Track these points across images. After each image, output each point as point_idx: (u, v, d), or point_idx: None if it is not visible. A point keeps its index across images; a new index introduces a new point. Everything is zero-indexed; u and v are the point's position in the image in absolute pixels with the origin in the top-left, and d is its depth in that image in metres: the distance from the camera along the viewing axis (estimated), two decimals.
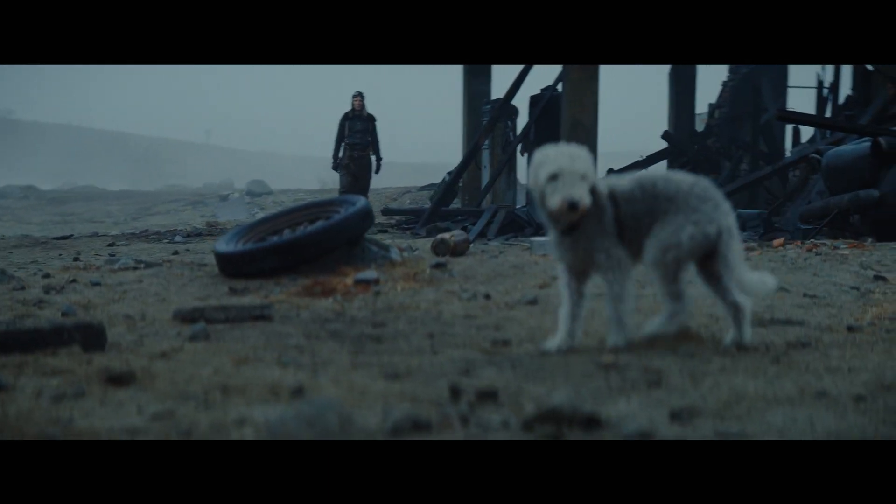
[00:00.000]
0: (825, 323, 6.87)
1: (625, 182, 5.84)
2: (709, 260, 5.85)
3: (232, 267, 9.76)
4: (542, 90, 23.84)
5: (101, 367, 4.97)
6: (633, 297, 5.83)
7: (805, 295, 8.18)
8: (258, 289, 9.07)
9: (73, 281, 9.54)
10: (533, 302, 7.90)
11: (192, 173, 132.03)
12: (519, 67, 24.32)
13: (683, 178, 5.86)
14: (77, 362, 5.18)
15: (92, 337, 5.70)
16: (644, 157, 27.96)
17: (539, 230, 20.04)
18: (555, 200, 5.45)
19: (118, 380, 4.59)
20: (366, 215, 10.15)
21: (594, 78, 21.88)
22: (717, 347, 5.77)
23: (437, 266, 9.87)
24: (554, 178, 5.48)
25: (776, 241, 13.04)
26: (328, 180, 75.10)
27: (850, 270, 9.70)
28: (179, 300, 8.42)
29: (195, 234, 21.59)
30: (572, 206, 5.40)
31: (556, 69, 23.34)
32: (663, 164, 28.83)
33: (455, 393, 4.35)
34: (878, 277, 9.27)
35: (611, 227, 5.71)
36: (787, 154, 27.28)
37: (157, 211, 47.19)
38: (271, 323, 7.07)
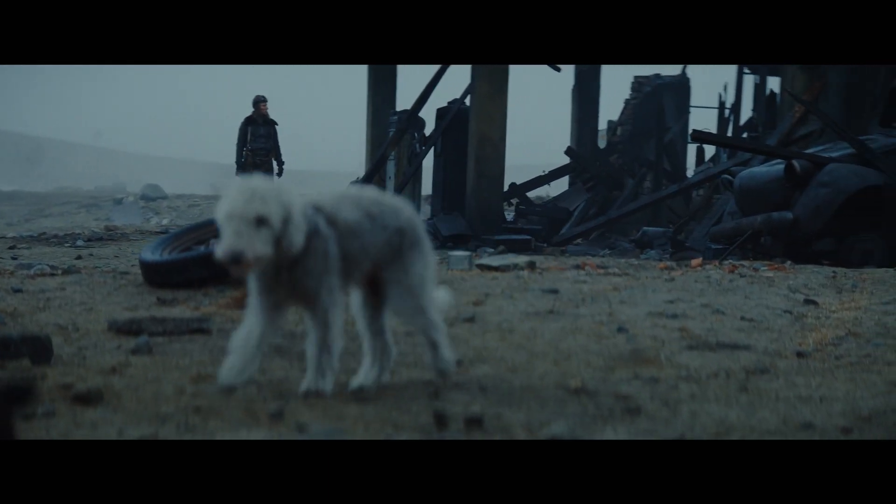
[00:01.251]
0: (771, 348, 6.88)
1: (348, 208, 5.06)
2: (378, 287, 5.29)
3: (158, 277, 9.53)
4: (450, 103, 23.76)
5: (59, 383, 4.80)
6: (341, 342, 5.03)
7: (742, 318, 8.18)
8: (187, 300, 8.87)
9: None
10: (471, 319, 7.80)
11: (82, 175, 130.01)
12: (426, 78, 24.21)
13: (402, 206, 5.30)
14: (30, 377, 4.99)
15: (39, 350, 5.52)
16: (546, 173, 28.03)
17: (445, 243, 19.97)
18: (218, 251, 4.53)
19: (85, 399, 4.42)
20: None
21: (502, 92, 21.85)
22: (678, 373, 5.72)
23: None
24: (225, 221, 4.58)
25: (694, 261, 13.08)
26: (222, 187, 74.51)
27: (778, 294, 9.75)
28: (108, 310, 8.19)
29: (96, 239, 21.20)
30: (234, 259, 4.46)
31: (463, 83, 23.28)
32: (565, 179, 29.00)
33: (440, 419, 4.24)
34: (808, 301, 9.32)
35: (336, 261, 4.93)
36: (689, 173, 27.55)
37: (50, 213, 46.40)
38: (210, 336, 6.90)
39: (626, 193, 25.22)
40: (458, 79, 23.96)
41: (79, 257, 15.36)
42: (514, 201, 26.90)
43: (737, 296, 9.46)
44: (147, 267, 9.64)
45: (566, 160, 28.00)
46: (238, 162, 22.81)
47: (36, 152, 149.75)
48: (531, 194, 27.80)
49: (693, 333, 7.31)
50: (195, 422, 4.14)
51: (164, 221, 40.44)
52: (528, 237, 20.41)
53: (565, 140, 30.61)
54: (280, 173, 22.94)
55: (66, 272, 10.80)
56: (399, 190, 23.98)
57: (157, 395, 4.66)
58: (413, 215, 5.30)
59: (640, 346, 6.61)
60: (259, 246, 4.51)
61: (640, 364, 5.93)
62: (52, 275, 10.54)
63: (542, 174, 27.95)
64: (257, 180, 4.68)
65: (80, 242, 19.42)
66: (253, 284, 4.92)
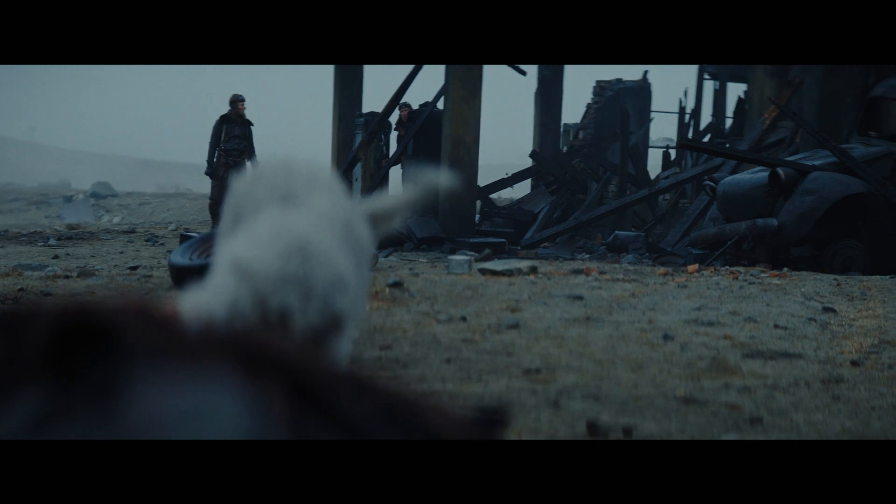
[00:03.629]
0: (821, 356, 7.03)
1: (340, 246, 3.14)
2: None
3: (189, 280, 9.56)
4: (421, 106, 23.87)
5: None
6: None
7: (776, 326, 8.34)
8: None
9: (21, 290, 9.26)
10: (515, 326, 7.89)
11: (17, 171, 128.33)
12: (393, 80, 24.31)
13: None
14: None
15: None
16: (509, 175, 28.14)
17: (419, 245, 20.07)
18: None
19: None
20: None
21: (476, 96, 21.98)
22: (763, 382, 5.87)
23: (395, 285, 9.82)
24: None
25: (690, 267, 13.29)
26: (166, 185, 74.36)
27: (795, 301, 9.93)
28: None
29: (66, 238, 21.09)
30: None
31: (431, 86, 23.41)
32: (528, 181, 29.12)
33: (593, 429, 4.36)
34: (826, 309, 9.50)
35: None
36: (651, 177, 27.76)
37: None
38: None
39: (590, 197, 25.41)
40: (426, 82, 24.07)
41: (55, 257, 15.34)
42: (477, 203, 27.05)
43: (757, 303, 9.63)
44: (179, 270, 9.70)
45: (529, 161, 28.13)
46: (210, 161, 22.01)
47: None
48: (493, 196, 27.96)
49: (739, 342, 7.46)
50: None
51: (116, 219, 40.25)
52: (503, 240, 20.54)
53: (528, 141, 30.77)
54: None
55: (84, 274, 10.81)
56: (368, 192, 24.06)
57: None
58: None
59: (701, 354, 6.75)
60: None
61: (720, 373, 6.07)
62: (67, 276, 10.54)
63: (506, 176, 28.06)
64: (299, 217, 2.69)
65: (52, 241, 19.35)
66: None
